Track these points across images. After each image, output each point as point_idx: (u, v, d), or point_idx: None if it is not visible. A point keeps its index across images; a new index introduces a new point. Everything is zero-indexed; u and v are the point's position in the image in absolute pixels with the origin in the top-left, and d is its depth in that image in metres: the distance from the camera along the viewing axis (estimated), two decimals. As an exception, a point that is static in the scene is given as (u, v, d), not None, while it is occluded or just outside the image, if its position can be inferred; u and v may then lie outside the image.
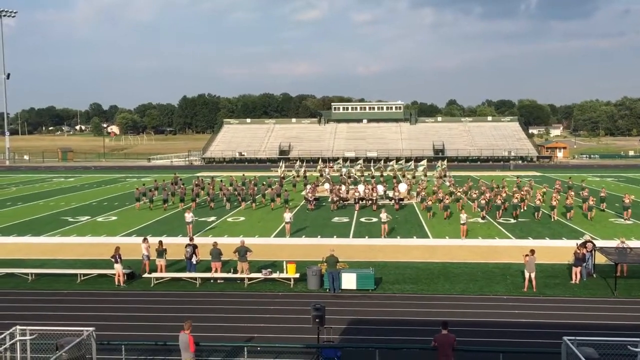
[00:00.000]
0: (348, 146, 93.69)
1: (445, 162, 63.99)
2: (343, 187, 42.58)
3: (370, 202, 37.87)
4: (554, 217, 32.76)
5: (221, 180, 49.12)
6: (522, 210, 34.98)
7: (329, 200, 39.03)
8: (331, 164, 68.39)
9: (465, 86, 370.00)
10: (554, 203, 33.41)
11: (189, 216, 29.39)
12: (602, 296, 18.62)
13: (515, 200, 34.15)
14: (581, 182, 43.27)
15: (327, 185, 45.03)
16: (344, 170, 60.67)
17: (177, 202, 39.46)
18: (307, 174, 56.35)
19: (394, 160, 69.40)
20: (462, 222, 27.86)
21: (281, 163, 69.42)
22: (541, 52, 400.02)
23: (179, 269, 21.92)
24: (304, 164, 65.98)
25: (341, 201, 38.83)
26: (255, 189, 41.78)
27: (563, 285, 19.79)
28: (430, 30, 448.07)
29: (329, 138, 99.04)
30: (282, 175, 54.64)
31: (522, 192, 38.26)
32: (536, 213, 33.23)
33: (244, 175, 51.96)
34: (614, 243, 24.35)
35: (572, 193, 38.04)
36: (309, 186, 43.26)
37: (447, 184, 47.23)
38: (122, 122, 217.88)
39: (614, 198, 39.75)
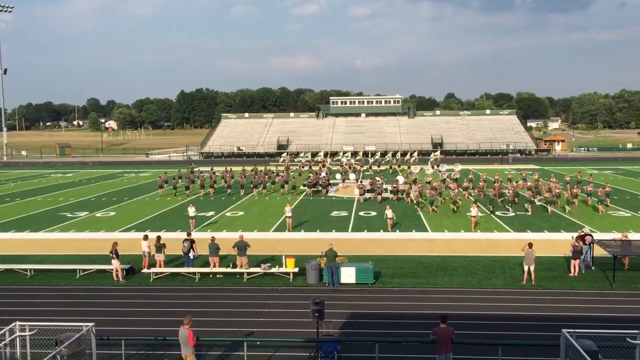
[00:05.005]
0: (346, 140, 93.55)
1: (438, 153, 63.96)
2: (338, 176, 48.04)
3: (377, 195, 38.29)
4: (549, 210, 32.72)
5: (235, 169, 52.07)
6: (515, 202, 34.80)
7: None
8: (332, 158, 69.62)
9: (464, 80, 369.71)
10: (547, 195, 33.48)
11: (192, 210, 29.39)
12: (601, 289, 18.67)
13: (510, 194, 34.09)
14: (589, 176, 43.16)
15: (323, 174, 46.37)
16: (344, 160, 61.84)
17: (198, 189, 43.32)
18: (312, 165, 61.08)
19: (391, 153, 69.69)
20: (472, 214, 28.62)
21: (285, 154, 75.82)
22: (539, 45, 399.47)
23: (178, 264, 21.93)
24: (309, 155, 71.86)
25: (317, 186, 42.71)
26: (267, 177, 45.02)
27: (562, 278, 19.83)
28: (428, 23, 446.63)
29: (327, 132, 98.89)
30: (287, 165, 59.34)
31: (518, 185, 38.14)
32: (529, 205, 33.14)
33: (255, 166, 54.35)
34: (611, 235, 24.44)
35: (576, 189, 37.82)
36: (311, 175, 46.71)
37: (439, 174, 47.15)
38: (119, 117, 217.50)
39: (614, 191, 39.65)
